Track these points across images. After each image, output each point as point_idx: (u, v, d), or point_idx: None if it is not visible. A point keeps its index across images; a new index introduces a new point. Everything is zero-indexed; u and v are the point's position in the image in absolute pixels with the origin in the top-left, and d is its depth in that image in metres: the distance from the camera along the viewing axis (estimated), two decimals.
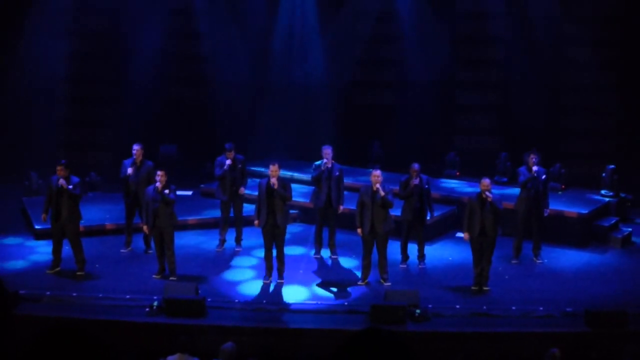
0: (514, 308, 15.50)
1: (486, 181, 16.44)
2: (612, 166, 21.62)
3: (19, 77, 24.30)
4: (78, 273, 16.91)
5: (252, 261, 17.97)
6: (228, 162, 18.27)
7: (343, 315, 15.22)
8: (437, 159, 23.38)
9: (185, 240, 18.81)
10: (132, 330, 14.61)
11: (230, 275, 17.32)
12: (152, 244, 17.38)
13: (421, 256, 17.94)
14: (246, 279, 16.97)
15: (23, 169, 22.57)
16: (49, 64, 24.50)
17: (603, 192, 21.41)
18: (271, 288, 16.52)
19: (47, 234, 18.09)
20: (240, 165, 18.50)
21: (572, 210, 19.87)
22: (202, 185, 22.36)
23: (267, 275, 16.74)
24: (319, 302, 15.77)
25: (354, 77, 25.65)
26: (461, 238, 17.63)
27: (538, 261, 18.33)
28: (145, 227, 16.91)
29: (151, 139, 21.95)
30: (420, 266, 17.91)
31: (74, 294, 15.83)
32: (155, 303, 15.18)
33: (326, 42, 25.08)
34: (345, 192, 18.39)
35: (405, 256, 17.92)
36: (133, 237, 18.54)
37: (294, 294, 16.22)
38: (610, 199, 21.02)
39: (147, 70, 24.67)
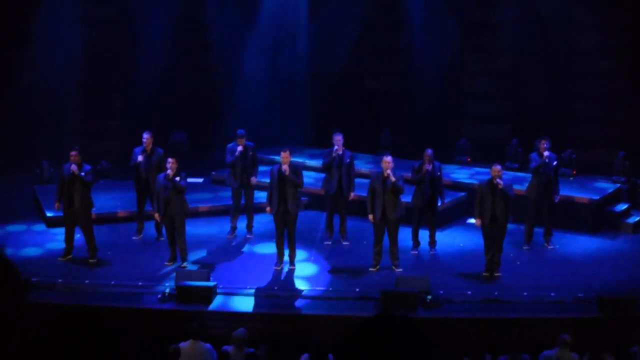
0: (525, 294, 15.49)
1: (497, 167, 16.43)
2: (623, 152, 21.58)
3: (30, 66, 24.32)
4: (90, 260, 16.97)
5: (263, 248, 17.98)
6: (239, 148, 18.26)
7: (354, 302, 15.23)
8: (448, 146, 23.34)
9: (196, 228, 18.82)
10: (143, 317, 14.66)
11: (241, 262, 17.35)
12: (164, 232, 17.41)
13: (432, 242, 17.95)
14: (257, 266, 16.99)
15: (35, 158, 22.63)
16: (60, 52, 24.52)
17: (614, 177, 21.36)
18: (282, 275, 16.55)
19: (59, 221, 18.15)
20: (251, 153, 18.49)
21: (583, 196, 19.84)
22: (212, 173, 22.40)
23: (279, 261, 16.77)
24: (330, 289, 15.79)
25: (364, 64, 25.62)
26: (472, 224, 17.64)
27: (549, 247, 18.32)
28: (156, 215, 16.93)
29: (161, 126, 21.97)
30: (431, 252, 17.92)
31: (86, 282, 15.89)
32: (167, 290, 15.22)
33: (336, 29, 25.02)
34: (356, 179, 18.40)
35: (416, 242, 17.92)
36: (144, 225, 18.60)
37: (305, 280, 16.25)
38: (622, 185, 20.97)
39: (157, 58, 24.68)
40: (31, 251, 17.74)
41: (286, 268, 16.74)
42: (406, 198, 17.37)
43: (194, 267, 16.57)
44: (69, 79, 24.91)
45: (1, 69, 24.29)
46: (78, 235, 17.18)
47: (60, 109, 24.82)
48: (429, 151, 17.59)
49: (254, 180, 18.52)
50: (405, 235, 17.49)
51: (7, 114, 24.18)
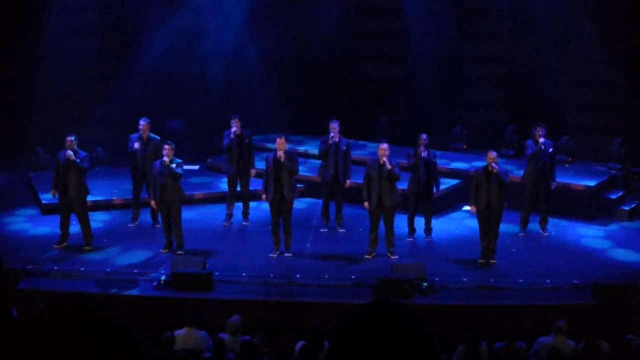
0: (521, 281, 15.51)
1: (492, 154, 16.43)
2: (619, 139, 21.57)
3: (27, 53, 24.26)
4: (85, 248, 16.95)
5: (259, 235, 17.95)
6: (234, 129, 18.18)
7: (350, 289, 15.24)
8: (444, 133, 23.29)
9: (192, 215, 18.81)
10: (139, 304, 14.66)
11: (237, 249, 17.33)
12: (159, 219, 17.40)
13: (428, 229, 17.94)
14: (253, 253, 16.98)
15: (30, 145, 22.58)
16: (55, 41, 24.45)
17: (610, 164, 21.36)
18: (278, 262, 16.53)
19: (54, 208, 18.13)
20: (247, 140, 18.46)
21: (579, 182, 19.85)
22: (208, 160, 22.37)
23: (275, 248, 16.76)
24: (326, 276, 15.77)
25: (361, 51, 25.57)
26: (468, 211, 17.62)
27: (545, 234, 18.33)
28: (152, 202, 16.91)
29: (158, 113, 21.90)
30: (427, 239, 17.92)
31: (82, 269, 15.88)
32: (163, 277, 15.23)
33: (332, 15, 24.95)
34: (352, 166, 18.38)
35: (412, 229, 17.92)
36: (140, 212, 18.57)
37: (301, 267, 16.23)
38: (617, 172, 20.98)
39: (153, 45, 24.61)
40: (26, 238, 17.71)
41: (282, 255, 16.73)
42: (402, 185, 17.35)
43: (189, 255, 16.55)
44: (64, 66, 24.82)
45: None
46: (73, 222, 17.16)
47: (56, 95, 24.75)
48: (424, 136, 17.58)
49: (253, 172, 18.46)
50: (401, 222, 17.49)
51: (3, 100, 24.11)
